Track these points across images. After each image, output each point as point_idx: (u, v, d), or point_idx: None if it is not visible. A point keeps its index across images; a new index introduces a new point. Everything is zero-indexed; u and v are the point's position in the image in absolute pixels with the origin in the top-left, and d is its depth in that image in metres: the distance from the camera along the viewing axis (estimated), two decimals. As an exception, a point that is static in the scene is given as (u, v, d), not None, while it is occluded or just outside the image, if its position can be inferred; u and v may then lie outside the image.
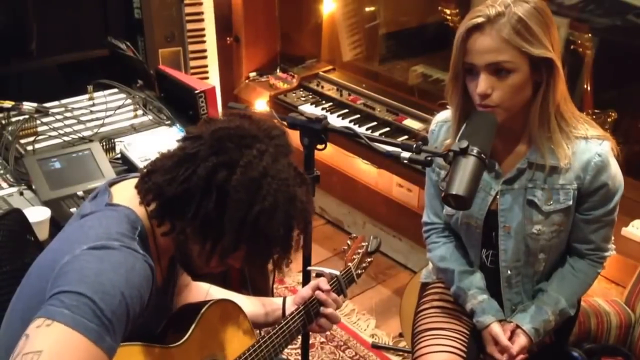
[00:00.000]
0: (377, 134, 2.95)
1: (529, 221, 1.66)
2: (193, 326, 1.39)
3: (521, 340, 1.69)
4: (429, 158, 1.42)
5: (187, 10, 3.20)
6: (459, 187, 1.35)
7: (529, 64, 1.50)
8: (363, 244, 1.89)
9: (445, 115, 1.76)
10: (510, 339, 1.71)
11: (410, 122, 3.02)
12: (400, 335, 2.84)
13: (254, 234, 1.21)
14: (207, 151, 1.20)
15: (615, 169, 1.62)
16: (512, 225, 1.68)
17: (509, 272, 1.74)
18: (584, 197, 1.64)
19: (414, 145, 1.43)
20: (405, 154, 1.43)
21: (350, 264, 1.81)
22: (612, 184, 1.62)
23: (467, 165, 1.37)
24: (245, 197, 1.18)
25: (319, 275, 1.72)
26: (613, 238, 1.77)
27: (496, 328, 1.71)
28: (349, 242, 1.88)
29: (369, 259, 1.89)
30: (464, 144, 1.37)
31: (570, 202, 1.63)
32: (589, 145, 1.60)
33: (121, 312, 1.10)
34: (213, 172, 1.18)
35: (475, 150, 1.37)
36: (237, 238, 1.21)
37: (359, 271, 1.84)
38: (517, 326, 1.71)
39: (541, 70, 1.52)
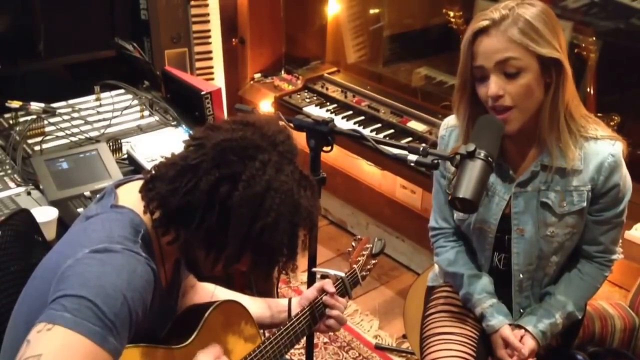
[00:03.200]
0: (381, 135, 2.96)
1: (542, 223, 1.67)
2: (198, 328, 1.40)
3: (529, 344, 1.69)
4: (436, 161, 1.42)
5: (193, 11, 3.21)
6: (465, 190, 1.35)
7: (538, 63, 1.51)
8: (368, 245, 1.89)
9: (455, 120, 1.75)
10: (519, 342, 1.70)
11: (414, 124, 3.03)
12: (404, 336, 2.84)
13: (258, 246, 1.21)
14: (210, 163, 1.19)
15: (626, 170, 1.64)
16: (526, 227, 1.68)
17: (521, 275, 1.74)
18: (596, 198, 1.64)
19: (421, 148, 1.43)
20: (412, 157, 1.43)
21: (355, 265, 1.82)
22: (623, 184, 1.63)
23: (474, 168, 1.37)
24: (247, 213, 1.18)
25: (324, 276, 1.72)
26: (621, 241, 1.78)
27: (507, 330, 1.71)
28: (353, 243, 1.89)
29: (373, 261, 1.89)
30: (471, 147, 1.37)
31: (584, 204, 1.64)
32: (600, 146, 1.61)
33: (124, 314, 1.11)
34: (215, 186, 1.18)
35: (482, 154, 1.37)
36: (241, 249, 1.22)
37: (364, 273, 1.84)
38: (525, 330, 1.71)
39: (551, 71, 1.52)
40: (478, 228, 1.74)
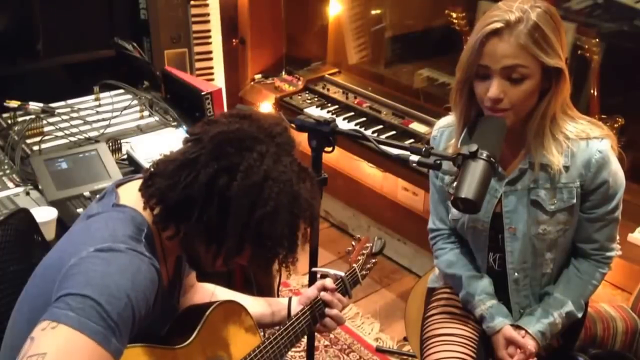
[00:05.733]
0: (382, 137, 2.95)
1: (534, 221, 1.66)
2: (198, 327, 1.40)
3: (530, 344, 1.68)
4: (438, 161, 1.42)
5: (193, 11, 3.20)
6: (468, 190, 1.35)
7: (541, 71, 1.51)
8: (367, 245, 1.89)
9: (447, 120, 1.77)
10: None
11: (415, 126, 3.02)
12: (405, 339, 2.83)
13: (258, 237, 1.21)
14: (207, 156, 1.20)
15: (615, 166, 1.63)
16: (518, 226, 1.68)
17: (516, 274, 1.74)
18: (586, 195, 1.64)
19: (423, 149, 1.43)
20: (414, 158, 1.43)
21: (354, 265, 1.82)
22: (613, 180, 1.62)
23: (476, 168, 1.36)
24: (246, 203, 1.18)
25: (323, 276, 1.72)
26: (619, 238, 1.77)
27: (510, 330, 1.71)
28: (353, 243, 1.89)
29: (373, 260, 1.89)
30: (474, 147, 1.37)
31: (574, 200, 1.64)
32: (588, 143, 1.61)
33: (127, 314, 1.11)
34: (214, 178, 1.19)
35: (484, 154, 1.37)
36: (241, 241, 1.22)
37: (364, 272, 1.84)
38: (525, 330, 1.71)
39: (550, 78, 1.53)
40: (471, 227, 1.74)
